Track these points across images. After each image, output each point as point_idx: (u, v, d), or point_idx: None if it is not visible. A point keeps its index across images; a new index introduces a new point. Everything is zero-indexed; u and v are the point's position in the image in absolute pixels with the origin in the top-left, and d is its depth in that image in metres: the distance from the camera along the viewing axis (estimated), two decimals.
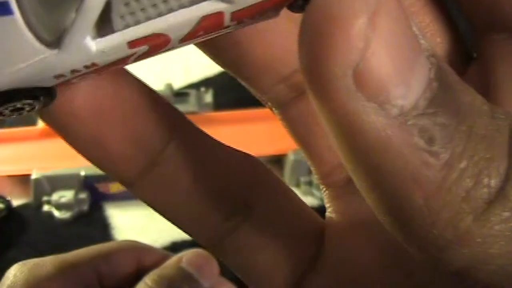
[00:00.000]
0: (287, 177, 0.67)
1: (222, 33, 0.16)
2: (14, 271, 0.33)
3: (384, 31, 0.13)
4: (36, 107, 0.16)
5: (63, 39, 0.15)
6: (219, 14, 0.15)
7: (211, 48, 0.19)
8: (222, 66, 0.20)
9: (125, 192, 0.70)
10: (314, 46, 0.13)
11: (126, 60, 0.16)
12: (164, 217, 0.20)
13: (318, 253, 0.20)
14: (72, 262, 0.33)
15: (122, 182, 0.19)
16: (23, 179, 0.64)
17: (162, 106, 0.19)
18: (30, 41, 0.15)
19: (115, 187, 0.62)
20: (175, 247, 0.57)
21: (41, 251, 0.59)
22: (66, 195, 0.62)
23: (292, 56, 0.19)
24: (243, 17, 0.16)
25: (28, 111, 0.16)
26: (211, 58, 0.19)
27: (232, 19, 0.16)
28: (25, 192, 0.64)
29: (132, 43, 0.15)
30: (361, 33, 0.13)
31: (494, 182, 0.13)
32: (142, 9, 0.15)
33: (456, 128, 0.13)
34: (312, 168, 0.21)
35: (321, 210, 0.22)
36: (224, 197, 0.19)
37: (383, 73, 0.13)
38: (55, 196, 0.62)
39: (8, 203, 0.63)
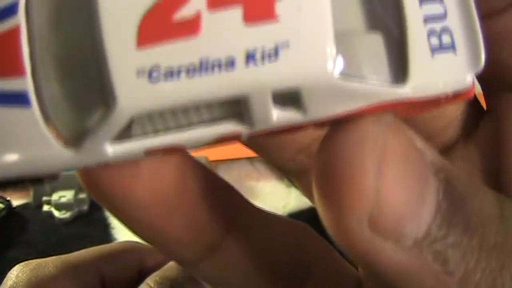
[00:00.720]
0: None
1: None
2: (17, 271, 0.33)
3: (392, 174, 0.14)
4: (38, 186, 0.16)
5: (83, 142, 0.15)
6: (237, 134, 0.15)
7: None
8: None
9: None
10: (329, 202, 0.14)
11: (138, 160, 0.16)
12: None
13: None
14: (74, 263, 0.33)
15: (181, 264, 0.19)
16: None
17: (224, 192, 0.19)
18: (46, 137, 0.14)
19: None
20: None
21: (41, 251, 0.59)
22: (66, 195, 0.62)
23: None
24: (259, 137, 0.16)
25: (30, 187, 0.16)
26: None
27: (249, 138, 0.16)
28: (25, 192, 0.64)
29: (148, 151, 0.15)
30: (372, 187, 0.13)
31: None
32: (163, 122, 0.15)
33: (467, 244, 0.14)
34: None
35: None
36: (282, 269, 0.20)
37: (395, 214, 0.14)
38: (55, 196, 0.62)
39: (8, 203, 0.63)
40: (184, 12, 0.14)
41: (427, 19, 0.16)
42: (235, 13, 0.14)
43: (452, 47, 0.16)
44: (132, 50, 0.14)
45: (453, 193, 0.14)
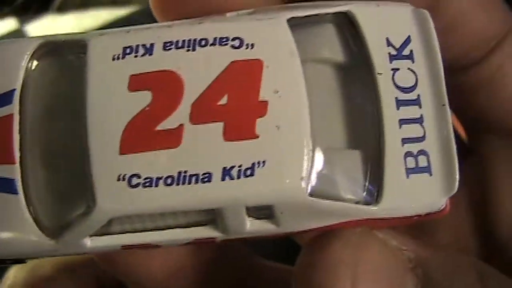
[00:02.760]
0: None
1: None
2: (14, 272, 0.33)
3: None
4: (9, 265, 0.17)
5: (63, 234, 0.15)
6: (211, 239, 0.16)
7: None
8: None
9: None
10: None
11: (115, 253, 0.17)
12: None
13: None
14: (71, 264, 0.34)
15: None
16: None
17: (234, 255, 0.22)
18: (29, 224, 0.15)
19: None
20: None
21: None
22: None
23: None
24: (231, 242, 0.17)
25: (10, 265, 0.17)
26: None
27: (223, 242, 0.17)
28: None
29: (125, 246, 0.16)
30: None
31: None
32: (141, 222, 0.16)
33: None
34: None
35: None
36: None
37: None
38: None
39: None
40: (167, 123, 0.15)
41: (405, 140, 0.16)
42: (216, 129, 0.15)
43: (428, 169, 0.16)
44: (114, 156, 0.14)
45: (431, 285, 0.15)
